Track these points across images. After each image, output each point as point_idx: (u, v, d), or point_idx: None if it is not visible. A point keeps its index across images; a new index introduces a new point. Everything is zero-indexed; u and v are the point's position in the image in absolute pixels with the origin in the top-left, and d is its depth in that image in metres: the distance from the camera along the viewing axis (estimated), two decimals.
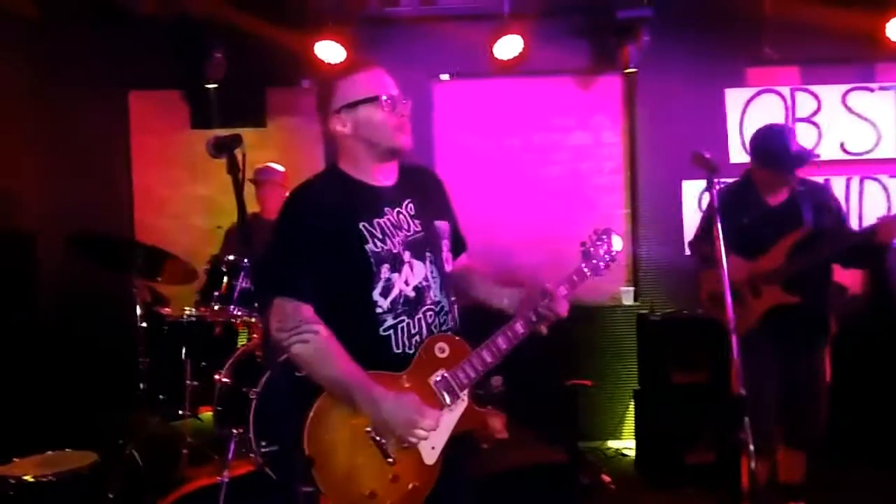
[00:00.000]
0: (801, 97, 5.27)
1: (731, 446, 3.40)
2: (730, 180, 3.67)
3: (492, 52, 4.93)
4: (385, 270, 1.89)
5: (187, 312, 4.01)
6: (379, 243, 1.89)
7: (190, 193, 5.30)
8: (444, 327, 1.96)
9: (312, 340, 1.80)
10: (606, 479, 4.10)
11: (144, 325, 3.93)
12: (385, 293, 1.88)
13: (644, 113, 5.31)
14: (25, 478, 3.09)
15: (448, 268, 2.04)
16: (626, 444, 5.08)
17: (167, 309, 4.13)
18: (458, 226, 2.19)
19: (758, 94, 5.28)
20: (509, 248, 5.36)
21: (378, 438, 1.81)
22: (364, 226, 1.90)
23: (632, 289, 5.32)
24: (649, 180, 5.31)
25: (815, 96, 5.26)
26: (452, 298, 2.03)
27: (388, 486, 1.82)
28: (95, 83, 5.08)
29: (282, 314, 1.84)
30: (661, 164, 5.22)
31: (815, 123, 5.26)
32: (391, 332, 1.88)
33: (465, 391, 1.91)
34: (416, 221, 1.98)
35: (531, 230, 5.41)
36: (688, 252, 4.26)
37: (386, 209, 1.95)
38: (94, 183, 5.06)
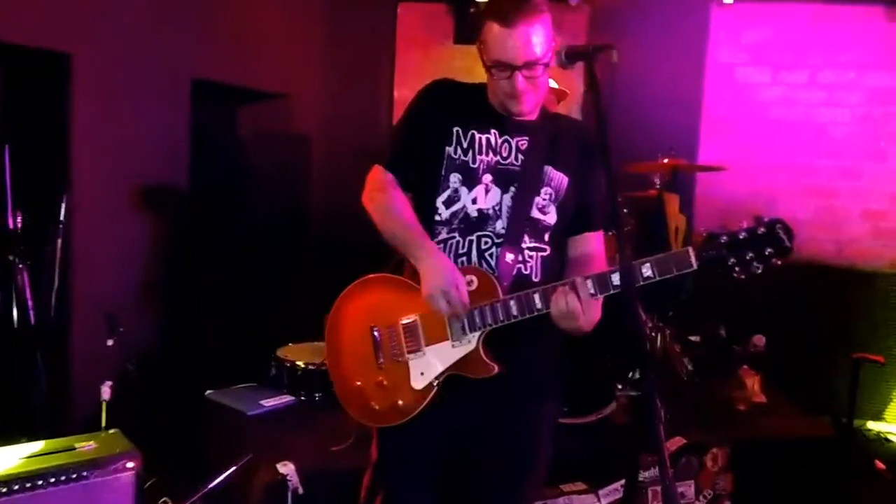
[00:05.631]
0: None
1: None
2: None
3: None
4: (454, 180, 1.86)
5: None
6: (460, 151, 1.87)
7: None
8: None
9: (377, 199, 1.91)
10: (881, 465, 3.65)
11: None
12: (448, 203, 1.87)
13: None
14: (298, 363, 3.34)
15: (540, 215, 1.87)
16: (890, 428, 4.53)
17: None
18: (596, 205, 1.93)
19: None
20: (773, 195, 4.87)
21: (378, 339, 1.87)
22: (457, 129, 1.88)
23: None
24: None
25: None
26: (528, 244, 1.85)
27: (373, 388, 1.88)
28: None
29: (371, 178, 1.98)
30: None
31: None
32: (441, 245, 1.86)
33: (475, 333, 1.78)
34: (521, 157, 1.88)
35: (801, 178, 4.89)
36: None
37: (494, 130, 1.89)
38: (360, 92, 5.20)
